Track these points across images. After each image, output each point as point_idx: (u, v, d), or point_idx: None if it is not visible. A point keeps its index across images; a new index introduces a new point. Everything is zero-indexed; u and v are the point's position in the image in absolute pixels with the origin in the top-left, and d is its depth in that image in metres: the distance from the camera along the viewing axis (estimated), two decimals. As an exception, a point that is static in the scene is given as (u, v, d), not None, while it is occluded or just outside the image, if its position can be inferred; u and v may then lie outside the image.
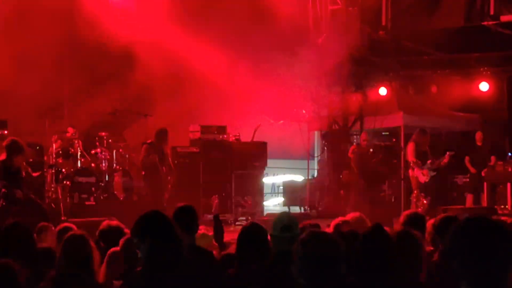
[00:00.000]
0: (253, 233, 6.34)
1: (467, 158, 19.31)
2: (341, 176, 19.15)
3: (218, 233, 8.30)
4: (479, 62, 21.04)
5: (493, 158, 19.17)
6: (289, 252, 5.84)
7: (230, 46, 18.31)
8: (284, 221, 6.01)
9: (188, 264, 5.16)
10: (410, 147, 16.34)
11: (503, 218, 12.42)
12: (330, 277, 4.60)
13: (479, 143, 19.48)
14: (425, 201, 15.77)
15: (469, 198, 19.39)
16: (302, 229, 6.37)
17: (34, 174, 14.17)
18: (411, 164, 16.35)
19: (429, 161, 16.09)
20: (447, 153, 16.64)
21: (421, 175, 15.91)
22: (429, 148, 16.67)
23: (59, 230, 8.02)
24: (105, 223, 8.09)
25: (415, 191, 16.01)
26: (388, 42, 21.28)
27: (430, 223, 7.42)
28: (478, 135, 19.58)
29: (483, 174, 19.04)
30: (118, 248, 7.04)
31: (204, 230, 8.44)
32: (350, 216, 8.72)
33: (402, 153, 20.02)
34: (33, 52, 17.13)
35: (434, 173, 16.08)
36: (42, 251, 6.65)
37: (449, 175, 19.65)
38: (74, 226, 7.89)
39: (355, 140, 20.47)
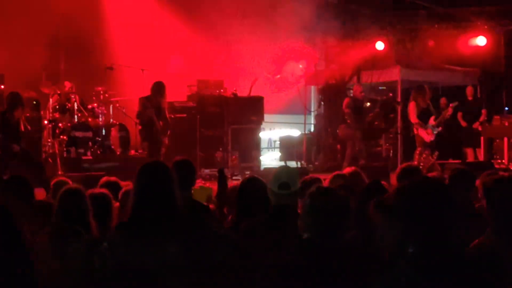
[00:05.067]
0: (253, 186, 6.32)
1: (459, 114, 19.46)
2: (337, 131, 19.12)
3: (221, 189, 7.91)
4: (477, 15, 20.91)
5: (484, 111, 19.37)
6: (287, 206, 5.85)
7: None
8: (283, 178, 5.90)
9: (183, 219, 5.11)
10: (411, 107, 16.22)
11: (500, 172, 12.42)
12: (336, 232, 4.63)
13: (470, 98, 19.79)
14: (431, 158, 15.73)
15: (470, 152, 19.61)
16: (305, 184, 6.34)
17: (29, 127, 14.07)
18: (414, 126, 16.29)
19: (432, 117, 16.02)
20: (450, 104, 16.63)
21: (426, 135, 15.83)
22: (430, 103, 16.59)
23: (54, 184, 8.03)
24: (104, 178, 8.10)
25: (419, 148, 15.96)
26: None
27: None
28: (469, 90, 20.02)
29: (474, 127, 19.28)
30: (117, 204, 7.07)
31: (201, 183, 8.42)
32: (347, 170, 8.73)
33: (399, 107, 20.01)
34: (28, 7, 16.98)
35: (439, 128, 16.01)
36: (38, 204, 6.66)
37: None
38: (69, 180, 7.88)
39: (351, 94, 20.38)
